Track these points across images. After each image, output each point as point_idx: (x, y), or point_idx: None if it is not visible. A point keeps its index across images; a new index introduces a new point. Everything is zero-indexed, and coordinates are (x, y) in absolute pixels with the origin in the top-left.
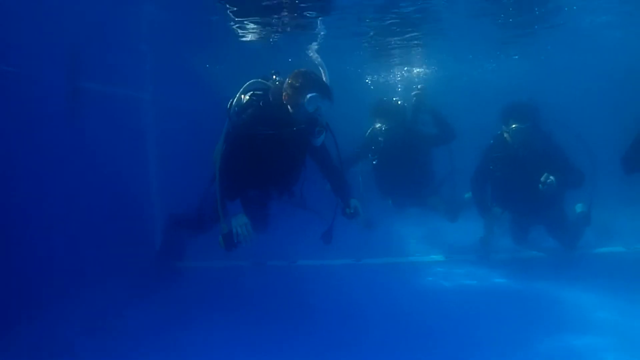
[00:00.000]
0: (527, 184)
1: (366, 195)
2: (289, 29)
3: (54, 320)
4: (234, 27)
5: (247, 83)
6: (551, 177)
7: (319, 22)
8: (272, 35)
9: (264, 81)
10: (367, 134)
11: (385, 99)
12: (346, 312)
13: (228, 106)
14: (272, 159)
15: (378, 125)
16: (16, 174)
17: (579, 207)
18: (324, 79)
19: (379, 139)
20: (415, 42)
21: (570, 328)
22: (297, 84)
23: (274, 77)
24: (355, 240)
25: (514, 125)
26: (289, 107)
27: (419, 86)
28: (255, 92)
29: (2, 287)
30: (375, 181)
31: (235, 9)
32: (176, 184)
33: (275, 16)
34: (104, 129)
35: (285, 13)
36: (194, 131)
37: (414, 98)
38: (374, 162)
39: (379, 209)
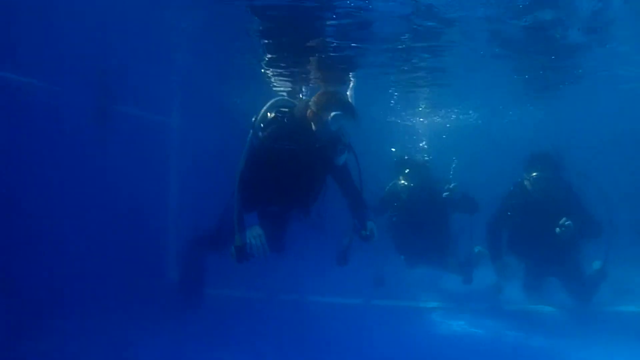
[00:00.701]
0: (544, 231)
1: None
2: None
3: (62, 346)
4: (267, 77)
5: (273, 100)
6: (569, 221)
7: (349, 77)
8: (301, 86)
9: (289, 99)
10: (388, 189)
11: (409, 156)
12: (348, 352)
13: (252, 120)
14: (293, 175)
15: (402, 181)
16: (36, 190)
17: (596, 265)
18: (350, 100)
19: (402, 195)
20: (439, 87)
21: None
22: (322, 102)
23: (300, 95)
24: (365, 279)
25: (535, 174)
26: (312, 124)
27: (451, 186)
28: (281, 109)
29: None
30: (392, 238)
31: (268, 59)
32: (195, 211)
33: (305, 73)
34: (130, 151)
35: (315, 69)
36: (216, 161)
37: (445, 195)
38: (393, 219)
39: (390, 264)
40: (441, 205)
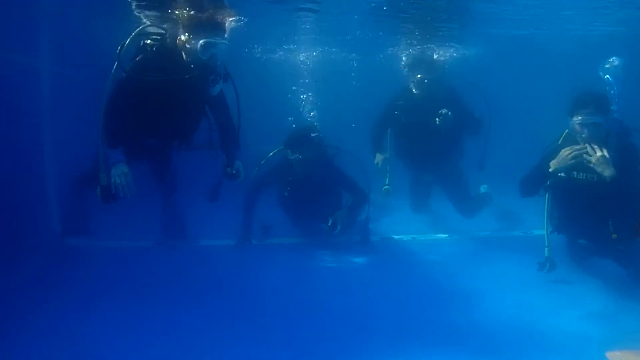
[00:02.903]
0: (427, 129)
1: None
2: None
3: None
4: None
5: (139, 28)
6: (448, 111)
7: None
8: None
9: (159, 25)
10: (273, 162)
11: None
12: (242, 291)
13: (118, 50)
14: (167, 108)
15: (296, 155)
16: None
17: (483, 188)
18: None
19: (296, 169)
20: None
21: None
22: (191, 28)
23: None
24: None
25: (418, 76)
26: (183, 53)
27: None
28: (150, 36)
29: None
30: (283, 209)
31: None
32: (74, 156)
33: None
34: None
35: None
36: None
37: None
38: (284, 194)
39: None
40: (336, 172)
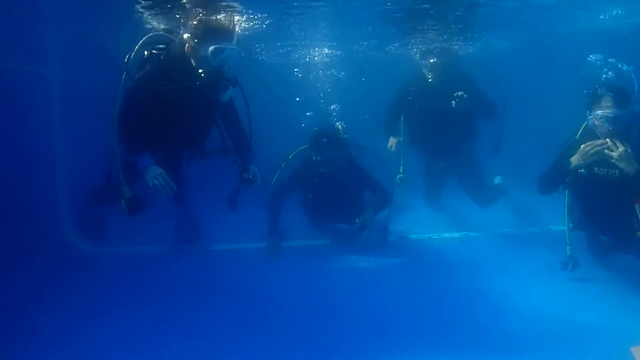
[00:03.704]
0: (441, 113)
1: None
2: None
3: None
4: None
5: (148, 35)
6: (464, 94)
7: None
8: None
9: (166, 34)
10: (292, 157)
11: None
12: (259, 295)
13: (125, 60)
14: (176, 117)
15: (321, 156)
16: None
17: (497, 179)
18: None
19: (321, 170)
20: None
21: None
22: (199, 34)
23: (180, 28)
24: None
25: (432, 60)
26: (192, 60)
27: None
28: (157, 45)
29: None
30: (305, 211)
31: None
32: (86, 164)
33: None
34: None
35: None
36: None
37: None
38: (308, 196)
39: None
40: (360, 173)
